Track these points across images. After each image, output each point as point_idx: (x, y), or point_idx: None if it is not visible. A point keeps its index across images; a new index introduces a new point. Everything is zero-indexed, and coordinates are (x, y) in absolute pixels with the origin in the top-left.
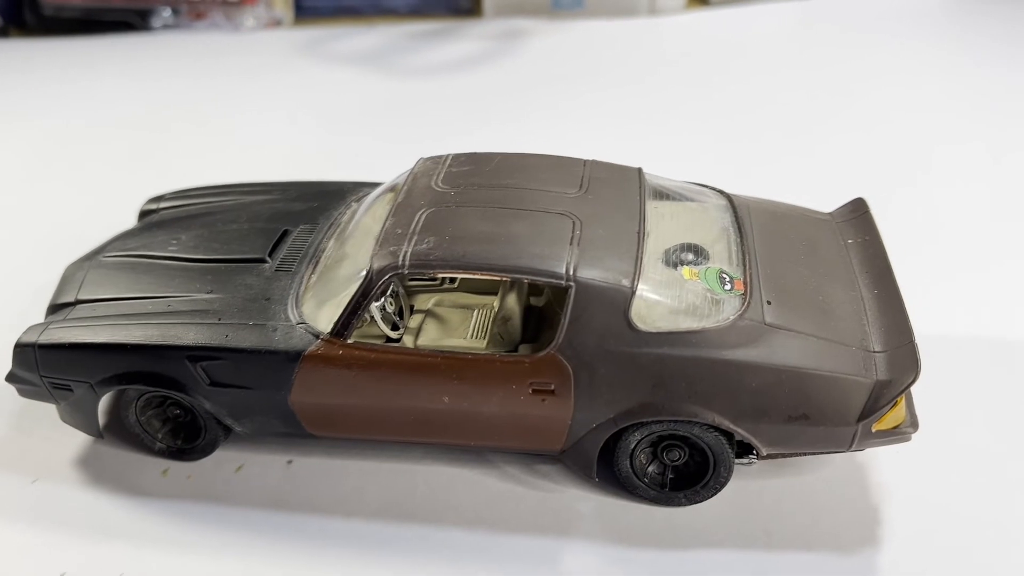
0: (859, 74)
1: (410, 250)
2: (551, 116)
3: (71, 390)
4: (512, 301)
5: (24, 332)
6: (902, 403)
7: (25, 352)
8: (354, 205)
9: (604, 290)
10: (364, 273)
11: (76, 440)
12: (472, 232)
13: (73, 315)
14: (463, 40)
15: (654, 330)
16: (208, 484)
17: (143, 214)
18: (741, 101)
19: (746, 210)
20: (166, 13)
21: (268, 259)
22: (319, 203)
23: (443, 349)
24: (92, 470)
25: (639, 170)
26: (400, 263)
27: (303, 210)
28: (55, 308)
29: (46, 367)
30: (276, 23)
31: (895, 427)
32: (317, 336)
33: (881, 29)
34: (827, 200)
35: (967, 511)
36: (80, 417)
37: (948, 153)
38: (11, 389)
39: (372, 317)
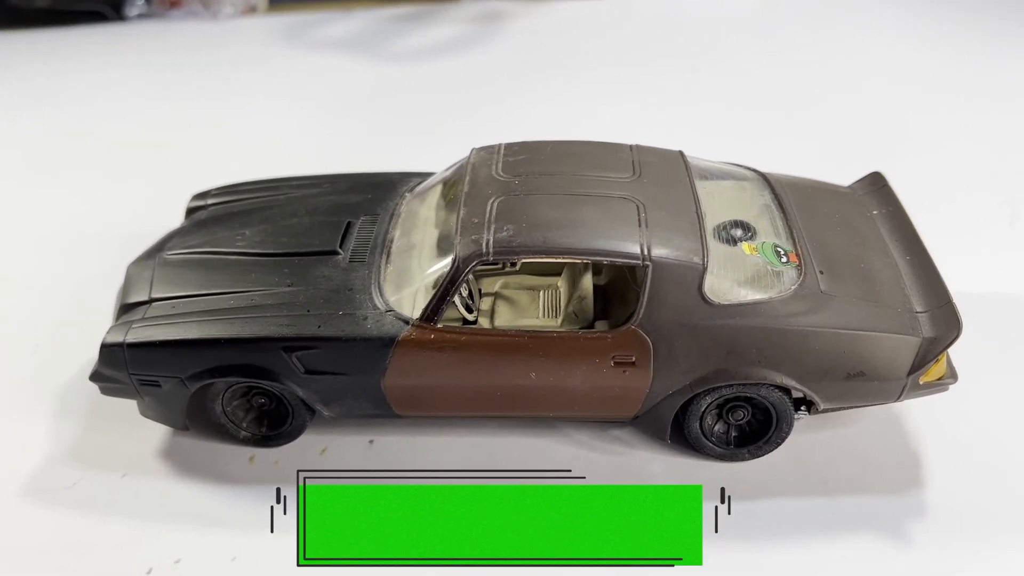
0: (839, 39)
1: (492, 238)
2: (542, 97)
3: (159, 386)
4: (587, 282)
5: (108, 333)
6: (944, 358)
7: (113, 352)
8: (407, 195)
9: (678, 267)
10: (451, 260)
11: (155, 434)
12: (547, 218)
13: (152, 313)
14: (443, 24)
15: (725, 302)
16: (296, 468)
17: (190, 211)
18: (722, 73)
19: (780, 186)
20: (140, 1)
21: (340, 251)
22: (372, 195)
23: (527, 329)
24: (178, 462)
25: (681, 152)
26: (484, 250)
27: (359, 202)
28: (127, 307)
29: (135, 365)
30: (251, 9)
31: (938, 379)
32: (407, 322)
33: None
34: (826, 168)
35: (998, 447)
36: (165, 411)
37: (937, 114)
38: (80, 390)
39: (452, 301)
